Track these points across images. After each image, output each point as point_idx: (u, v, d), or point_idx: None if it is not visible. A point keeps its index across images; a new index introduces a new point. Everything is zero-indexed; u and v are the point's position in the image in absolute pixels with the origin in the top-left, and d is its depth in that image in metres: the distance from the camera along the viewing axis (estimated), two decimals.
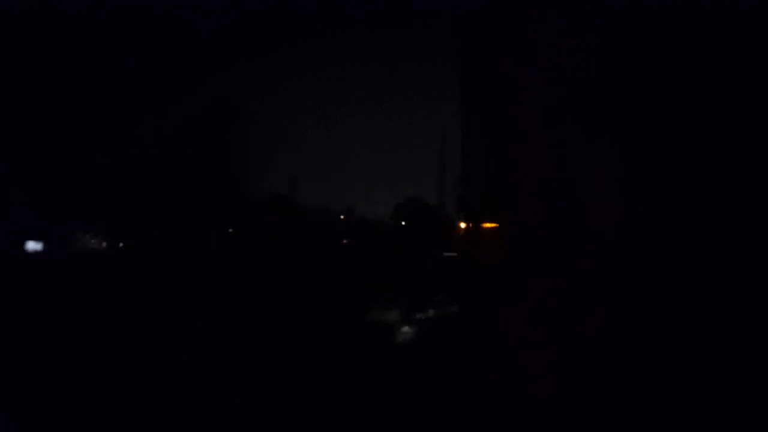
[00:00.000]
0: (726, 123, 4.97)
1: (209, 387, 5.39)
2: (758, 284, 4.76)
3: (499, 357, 5.17)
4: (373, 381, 5.21)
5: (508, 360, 5.12)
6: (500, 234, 5.76)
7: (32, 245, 23.63)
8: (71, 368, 5.55)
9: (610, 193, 5.24)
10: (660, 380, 4.72)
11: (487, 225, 5.85)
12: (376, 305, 6.47)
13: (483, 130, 5.79)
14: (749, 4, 4.86)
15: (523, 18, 5.49)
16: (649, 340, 4.85)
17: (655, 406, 4.68)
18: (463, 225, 6.11)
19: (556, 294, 5.33)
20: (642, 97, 5.12)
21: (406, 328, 6.16)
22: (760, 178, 4.91)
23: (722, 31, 4.97)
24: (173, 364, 5.62)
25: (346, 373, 5.30)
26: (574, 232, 5.40)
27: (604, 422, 4.69)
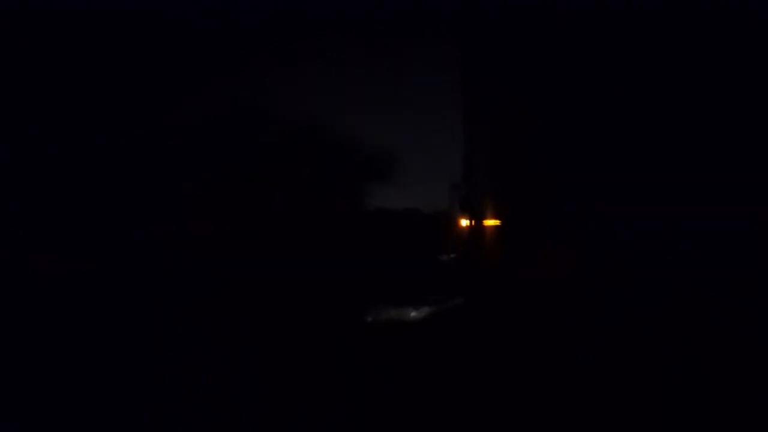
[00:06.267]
0: (726, 122, 4.96)
1: (208, 387, 5.39)
2: (758, 284, 4.76)
3: (499, 356, 5.17)
4: (373, 381, 5.21)
5: (508, 359, 5.12)
6: (501, 232, 5.76)
7: None
8: (70, 368, 5.56)
9: (610, 193, 5.24)
10: (660, 380, 4.72)
11: (489, 223, 5.85)
12: (375, 304, 6.49)
13: (486, 130, 5.79)
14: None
15: (526, 22, 5.48)
16: (649, 340, 4.84)
17: (656, 406, 4.68)
18: (464, 223, 6.11)
19: (556, 293, 5.33)
20: (643, 97, 5.12)
21: (405, 327, 6.16)
22: (760, 177, 4.90)
23: (720, 31, 4.96)
24: (172, 364, 5.62)
25: (345, 373, 5.29)
26: (575, 232, 5.40)
27: (604, 422, 4.69)
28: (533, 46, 5.45)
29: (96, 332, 5.90)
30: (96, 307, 6.20)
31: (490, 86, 5.73)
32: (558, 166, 5.43)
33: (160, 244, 6.59)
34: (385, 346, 5.54)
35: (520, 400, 4.84)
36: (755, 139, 4.94)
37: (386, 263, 6.49)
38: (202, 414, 5.15)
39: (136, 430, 5.04)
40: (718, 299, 4.84)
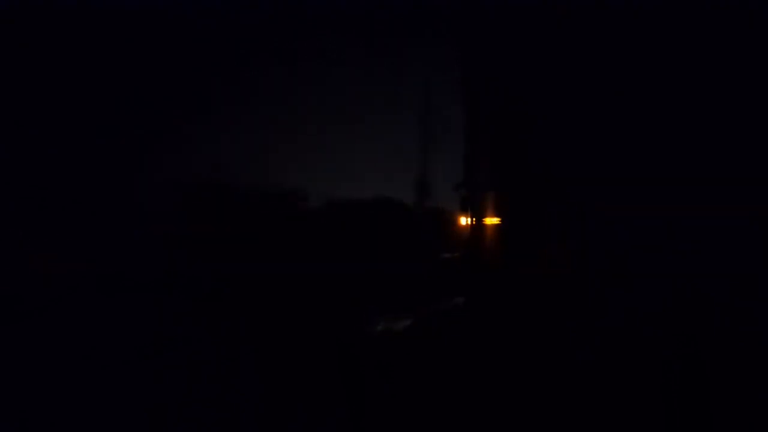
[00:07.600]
0: (726, 122, 4.96)
1: (208, 387, 5.39)
2: (758, 284, 4.76)
3: (499, 356, 5.17)
4: (373, 381, 5.21)
5: (508, 359, 5.13)
6: (501, 232, 5.76)
7: None
8: (69, 369, 5.56)
9: (611, 193, 5.24)
10: (660, 380, 4.72)
11: (489, 221, 5.85)
12: (375, 304, 6.49)
13: (486, 130, 5.79)
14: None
15: (526, 22, 5.49)
16: (649, 340, 4.85)
17: (656, 406, 4.68)
18: (464, 221, 6.12)
19: (556, 293, 5.33)
20: (643, 97, 5.12)
21: (405, 328, 6.17)
22: (760, 177, 4.90)
23: (717, 31, 4.96)
24: (173, 365, 5.62)
25: (345, 373, 5.29)
26: (575, 232, 5.40)
27: (604, 422, 4.69)
28: (533, 46, 5.45)
29: (96, 332, 5.90)
30: (96, 307, 6.20)
31: (490, 86, 5.74)
32: (558, 166, 5.44)
33: (160, 244, 6.59)
34: (385, 345, 5.55)
35: (520, 400, 4.84)
36: (755, 139, 4.94)
37: (386, 263, 6.49)
38: (202, 414, 5.15)
39: (136, 430, 5.05)
40: (718, 299, 4.84)
